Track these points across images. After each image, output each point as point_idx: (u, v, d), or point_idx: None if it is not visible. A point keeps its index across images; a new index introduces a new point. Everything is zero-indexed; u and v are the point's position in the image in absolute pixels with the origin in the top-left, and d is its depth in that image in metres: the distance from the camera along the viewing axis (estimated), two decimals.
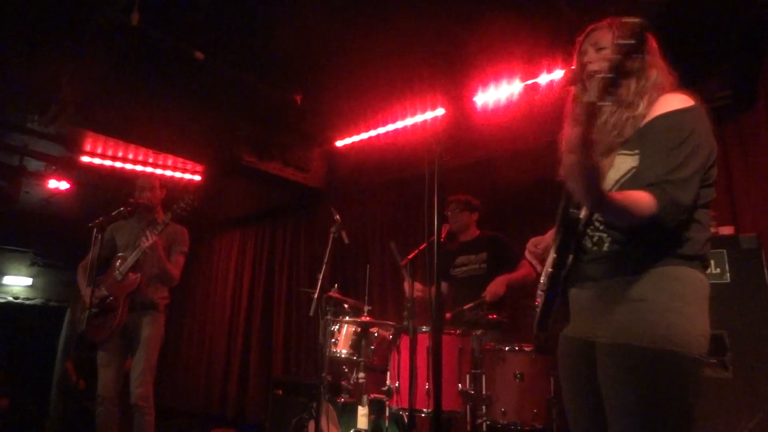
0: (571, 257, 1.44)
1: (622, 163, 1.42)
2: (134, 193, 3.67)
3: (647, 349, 1.30)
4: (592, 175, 1.22)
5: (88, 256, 3.60)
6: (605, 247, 1.43)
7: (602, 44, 1.52)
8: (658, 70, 1.49)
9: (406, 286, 3.33)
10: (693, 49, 3.01)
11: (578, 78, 1.55)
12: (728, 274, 2.70)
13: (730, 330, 2.59)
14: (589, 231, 1.46)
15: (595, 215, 1.45)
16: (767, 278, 2.65)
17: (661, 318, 1.32)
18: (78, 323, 3.48)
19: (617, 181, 1.41)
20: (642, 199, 1.30)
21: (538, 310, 1.56)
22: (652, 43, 1.51)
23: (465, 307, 3.21)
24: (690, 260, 1.38)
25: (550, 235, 1.70)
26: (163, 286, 3.64)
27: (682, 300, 1.34)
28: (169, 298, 3.69)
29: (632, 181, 1.38)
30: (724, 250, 2.71)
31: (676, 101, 1.42)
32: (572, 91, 1.62)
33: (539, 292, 1.60)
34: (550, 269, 1.49)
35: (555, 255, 1.46)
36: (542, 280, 1.59)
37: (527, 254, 1.69)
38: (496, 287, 3.30)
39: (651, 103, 1.45)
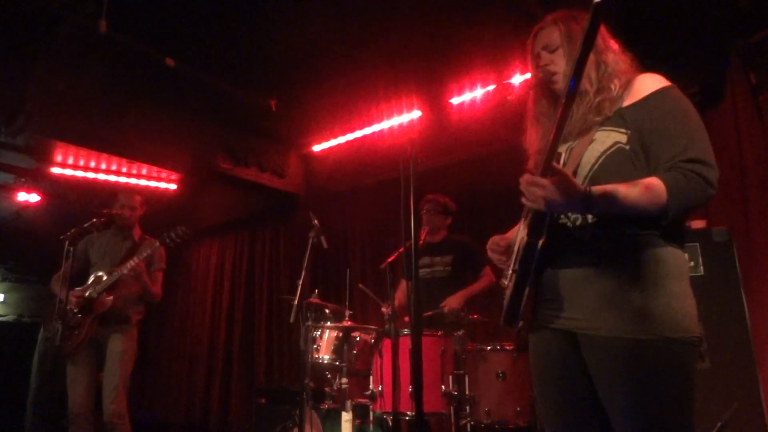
0: (546, 229, 1.35)
1: (606, 138, 1.37)
2: (114, 207, 3.62)
3: (643, 340, 1.25)
4: (571, 190, 1.23)
5: (67, 260, 3.51)
6: (586, 229, 1.37)
7: (553, 45, 1.51)
8: (614, 53, 1.48)
9: (385, 310, 3.33)
10: (660, 44, 3.07)
11: (539, 81, 1.56)
12: (702, 267, 2.75)
13: (705, 322, 2.64)
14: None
15: None
16: (738, 270, 2.71)
17: (654, 304, 1.26)
18: (52, 338, 3.39)
19: (603, 153, 1.37)
20: (652, 187, 1.24)
21: (506, 295, 1.48)
22: (601, 26, 1.52)
23: (425, 314, 3.20)
24: (672, 240, 1.33)
25: (513, 232, 1.66)
26: (140, 304, 3.58)
27: (672, 283, 1.29)
28: (143, 314, 3.63)
29: (617, 154, 1.35)
30: (697, 244, 2.76)
31: (657, 80, 1.40)
32: (532, 94, 1.64)
33: (507, 272, 1.53)
34: (524, 238, 1.38)
35: (529, 225, 1.37)
36: (512, 258, 1.51)
37: (489, 252, 1.62)
38: (454, 302, 3.31)
39: (624, 85, 1.43)
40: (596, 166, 1.37)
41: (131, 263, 3.39)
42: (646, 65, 1.52)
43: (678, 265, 1.33)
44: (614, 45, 1.52)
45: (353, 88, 4.46)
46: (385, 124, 4.95)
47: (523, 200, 1.29)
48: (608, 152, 1.36)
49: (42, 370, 6.03)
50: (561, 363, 1.43)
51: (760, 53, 3.26)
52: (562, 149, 1.49)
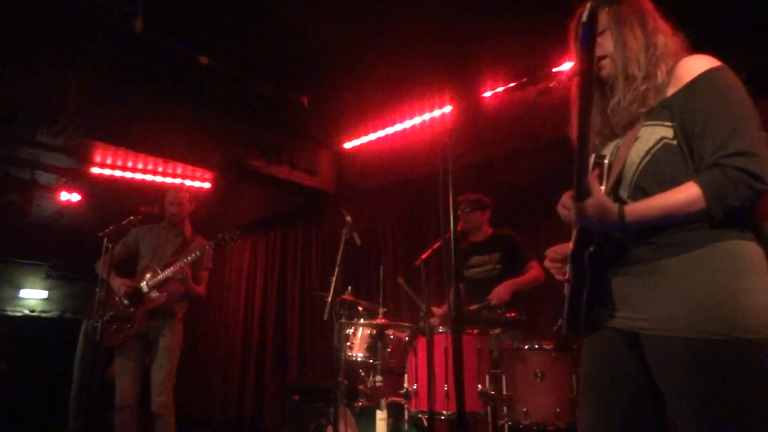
0: (595, 237, 1.29)
1: (651, 134, 1.29)
2: (164, 204, 3.72)
3: (711, 340, 1.14)
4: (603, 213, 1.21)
5: (107, 254, 3.58)
6: (645, 230, 1.28)
7: (601, 27, 1.41)
8: (664, 35, 1.38)
9: (436, 311, 3.29)
10: (709, 28, 2.93)
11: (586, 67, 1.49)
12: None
13: None
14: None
15: (622, 191, 1.33)
16: None
17: (723, 302, 1.15)
18: (92, 331, 3.47)
19: (648, 152, 1.29)
20: (687, 192, 1.19)
21: (566, 304, 1.42)
22: (649, 7, 1.42)
23: (470, 308, 3.15)
24: (742, 231, 1.21)
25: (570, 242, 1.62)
26: (186, 300, 3.66)
27: (743, 278, 1.16)
28: (187, 307, 3.70)
29: (664, 152, 1.27)
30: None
31: (703, 62, 1.30)
32: (576, 81, 1.56)
33: (566, 283, 1.46)
34: (573, 248, 1.33)
35: (577, 234, 1.31)
36: (568, 269, 1.44)
37: (547, 262, 1.55)
38: (501, 292, 3.24)
39: (671, 71, 1.33)
40: (640, 168, 1.29)
41: (179, 265, 3.45)
42: (693, 50, 1.41)
43: (750, 258, 1.20)
44: (665, 26, 1.42)
45: (384, 85, 4.42)
46: (416, 120, 4.90)
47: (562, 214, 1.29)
48: (653, 151, 1.28)
49: (84, 364, 6.21)
50: (617, 364, 1.34)
51: None
52: (609, 148, 1.41)
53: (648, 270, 1.27)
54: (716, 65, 1.29)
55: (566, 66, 3.65)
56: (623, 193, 1.34)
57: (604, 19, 1.43)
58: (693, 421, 1.18)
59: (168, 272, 3.46)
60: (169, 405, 3.39)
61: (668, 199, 1.20)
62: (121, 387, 3.42)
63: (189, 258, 3.48)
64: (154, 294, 3.49)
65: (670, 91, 1.32)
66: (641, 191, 1.30)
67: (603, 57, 1.43)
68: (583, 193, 1.20)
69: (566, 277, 1.41)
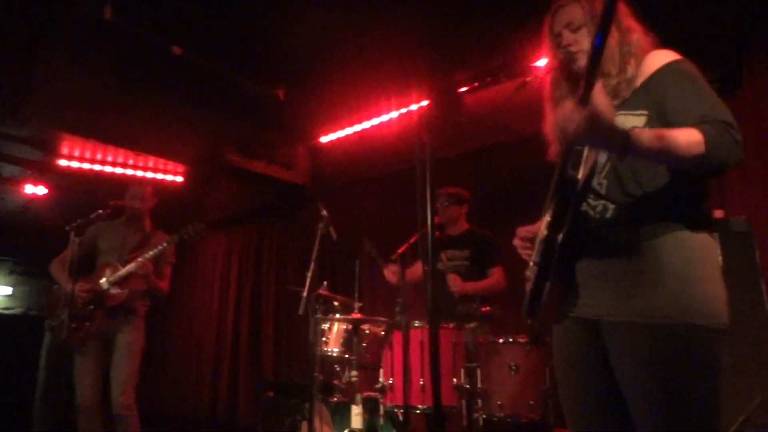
0: (567, 222, 1.31)
1: (624, 123, 1.32)
2: (124, 198, 3.60)
3: (669, 326, 1.20)
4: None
5: (64, 252, 3.50)
6: (609, 214, 1.34)
7: (577, 23, 1.45)
8: (637, 33, 1.44)
9: (386, 272, 3.30)
10: (679, 30, 2.99)
11: (560, 63, 1.51)
12: (720, 258, 2.68)
13: None
14: (590, 199, 1.37)
15: (595, 180, 1.36)
16: (758, 261, 2.64)
17: (679, 290, 1.23)
18: (57, 329, 3.36)
19: None
20: (690, 135, 1.19)
21: (528, 286, 1.44)
22: (622, 7, 1.47)
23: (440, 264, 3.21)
24: (698, 225, 1.29)
25: (541, 224, 1.63)
26: (147, 297, 3.57)
27: (698, 268, 1.25)
28: (149, 304, 3.61)
29: None
30: (716, 234, 2.69)
31: (669, 54, 1.38)
32: (551, 77, 1.58)
33: (530, 264, 1.50)
34: (544, 232, 1.35)
35: (550, 218, 1.34)
36: (534, 251, 1.48)
37: (516, 241, 1.57)
38: (456, 283, 3.29)
39: (639, 64, 1.40)
40: (614, 156, 1.33)
41: (140, 261, 3.36)
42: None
43: (704, 249, 1.28)
44: (636, 26, 1.46)
45: (361, 79, 4.40)
46: (393, 115, 4.89)
47: (559, 135, 1.22)
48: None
49: (49, 363, 6.03)
50: (583, 352, 1.40)
51: None
52: None
53: (609, 258, 1.33)
54: (681, 57, 1.37)
55: (542, 62, 3.69)
56: (597, 181, 1.37)
57: (579, 14, 1.46)
58: (641, 403, 1.24)
59: (130, 267, 3.36)
60: (131, 405, 3.30)
61: (674, 134, 1.20)
62: (82, 387, 3.31)
63: (151, 253, 3.39)
64: (115, 291, 3.39)
65: (639, 81, 1.38)
66: (616, 179, 1.34)
67: (578, 51, 1.45)
68: (591, 98, 1.15)
69: (532, 260, 1.44)
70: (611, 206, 1.34)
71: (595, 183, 1.37)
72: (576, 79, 1.51)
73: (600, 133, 1.16)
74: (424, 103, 4.60)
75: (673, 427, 1.20)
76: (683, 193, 1.31)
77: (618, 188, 1.34)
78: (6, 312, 7.92)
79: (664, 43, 1.49)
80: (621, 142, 1.18)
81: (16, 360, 7.21)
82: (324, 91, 4.60)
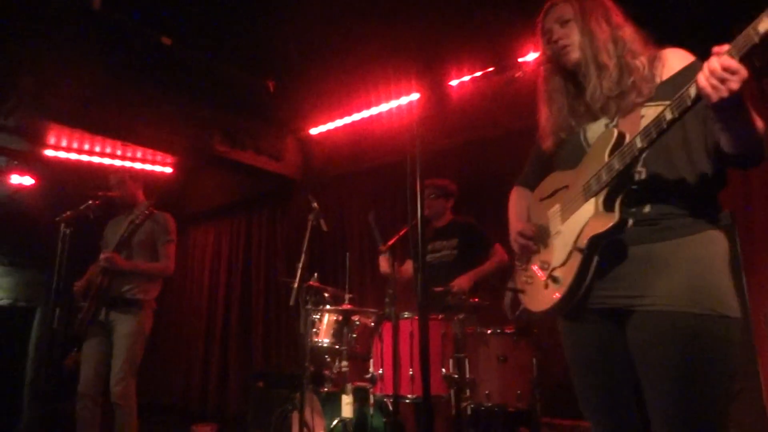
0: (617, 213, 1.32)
1: (657, 111, 1.33)
2: (109, 188, 3.62)
3: (705, 316, 1.25)
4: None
5: (63, 240, 3.52)
6: (646, 209, 1.35)
7: (566, 17, 1.50)
8: (629, 29, 1.47)
9: (382, 261, 3.33)
10: (660, 26, 3.03)
11: (550, 57, 1.54)
12: None
13: None
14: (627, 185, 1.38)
15: (638, 173, 1.37)
16: (740, 253, 2.70)
17: (713, 283, 1.28)
18: (49, 322, 3.39)
19: None
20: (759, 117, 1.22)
21: (562, 281, 1.43)
22: (611, 4, 1.51)
23: (435, 289, 3.21)
24: (717, 222, 1.35)
25: (517, 218, 1.71)
26: (149, 282, 3.57)
27: (721, 263, 1.31)
28: (156, 292, 3.64)
29: (674, 126, 1.33)
30: None
31: (687, 54, 1.41)
32: (543, 72, 1.61)
33: (535, 257, 1.53)
34: (616, 220, 1.33)
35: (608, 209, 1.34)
36: (570, 240, 1.44)
37: (517, 237, 1.60)
38: (462, 282, 3.29)
39: (652, 61, 1.43)
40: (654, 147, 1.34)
41: (102, 258, 3.39)
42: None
43: (725, 247, 1.34)
44: (626, 22, 1.50)
45: (351, 71, 4.39)
46: (383, 107, 4.89)
47: (707, 90, 1.12)
48: None
49: (39, 355, 6.01)
50: (607, 344, 1.43)
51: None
52: (598, 126, 1.47)
53: (641, 252, 1.34)
54: (696, 58, 1.39)
55: (530, 57, 3.72)
56: (636, 169, 1.38)
57: (569, 10, 1.50)
58: (661, 389, 1.28)
59: (100, 261, 3.41)
60: (128, 394, 3.32)
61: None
62: (83, 375, 3.36)
63: (115, 242, 3.42)
64: (97, 279, 3.44)
65: (665, 77, 1.40)
66: (655, 171, 1.36)
67: (568, 45, 1.49)
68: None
69: (573, 247, 1.42)
70: (647, 200, 1.36)
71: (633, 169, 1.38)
72: (567, 72, 1.55)
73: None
74: (415, 96, 4.61)
75: (693, 415, 1.25)
76: (714, 188, 1.35)
77: (654, 181, 1.36)
78: None
79: (656, 42, 1.52)
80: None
81: (5, 351, 7.16)
82: (314, 83, 4.59)
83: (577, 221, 1.42)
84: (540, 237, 1.56)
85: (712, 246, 1.31)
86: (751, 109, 1.20)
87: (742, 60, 1.09)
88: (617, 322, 1.39)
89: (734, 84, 1.09)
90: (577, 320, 1.47)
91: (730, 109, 1.17)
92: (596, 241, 1.34)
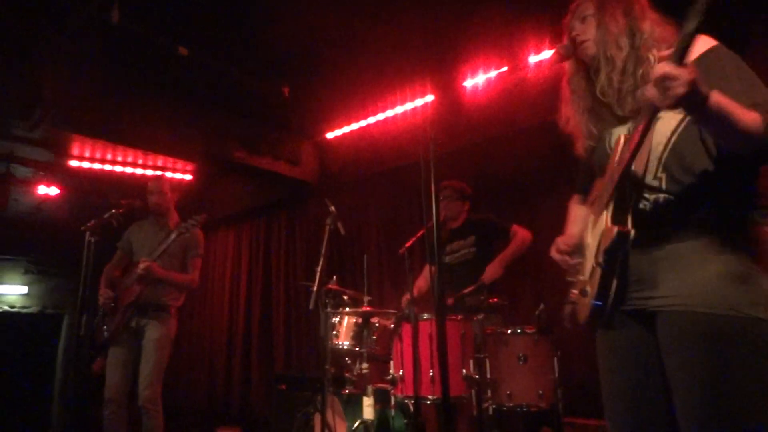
0: (631, 214, 1.30)
1: (672, 118, 1.32)
2: (145, 197, 3.72)
3: (730, 317, 1.20)
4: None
5: (114, 258, 3.74)
6: (669, 207, 1.32)
7: (586, 13, 1.49)
8: (651, 21, 1.43)
9: (405, 299, 3.32)
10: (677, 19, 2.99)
11: (570, 53, 1.53)
12: None
13: None
14: (645, 193, 1.34)
15: (650, 174, 1.34)
16: None
17: (738, 282, 1.23)
18: (77, 328, 3.46)
19: (675, 129, 1.32)
20: (749, 113, 1.16)
21: (587, 292, 1.39)
22: None
23: (466, 291, 3.21)
24: (741, 219, 1.29)
25: (571, 230, 1.64)
26: (178, 291, 3.65)
27: (750, 262, 1.25)
28: (180, 300, 3.70)
29: (690, 128, 1.30)
30: None
31: (706, 40, 1.33)
32: (564, 68, 1.60)
33: (584, 269, 1.46)
34: (616, 232, 1.30)
35: (612, 213, 1.31)
36: (592, 254, 1.40)
37: (554, 253, 1.57)
38: (493, 270, 3.31)
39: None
40: (672, 141, 1.32)
41: (140, 266, 3.42)
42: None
43: (756, 245, 1.28)
44: (653, 15, 1.46)
45: (366, 74, 4.42)
46: (398, 110, 4.91)
47: (654, 99, 1.12)
48: (682, 125, 1.31)
49: (68, 360, 6.14)
50: (640, 347, 1.38)
51: None
52: (620, 132, 1.42)
53: (665, 252, 1.32)
54: (718, 43, 1.34)
55: (545, 55, 3.70)
56: (651, 174, 1.35)
57: (589, 6, 1.49)
58: (695, 389, 1.22)
59: (139, 270, 3.45)
60: (155, 399, 3.38)
61: (740, 108, 1.17)
62: (110, 380, 3.43)
63: (158, 251, 3.47)
64: (134, 288, 3.49)
65: None
66: (672, 171, 1.32)
67: (585, 41, 1.48)
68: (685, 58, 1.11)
69: (594, 262, 1.39)
70: (668, 199, 1.33)
71: (649, 177, 1.35)
72: (586, 70, 1.53)
73: (695, 89, 1.08)
74: (430, 98, 4.61)
75: (727, 419, 1.19)
76: (743, 185, 1.31)
77: (671, 182, 1.33)
78: (22, 311, 8.06)
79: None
80: (703, 99, 1.12)
81: (33, 357, 7.33)
82: (329, 88, 4.63)
83: (596, 234, 1.40)
84: (580, 249, 1.53)
85: (735, 244, 1.26)
86: (731, 104, 1.15)
87: (685, 63, 1.09)
88: (647, 325, 1.35)
89: (679, 89, 1.07)
90: (610, 327, 1.44)
91: (695, 111, 1.16)
92: (611, 255, 1.31)
